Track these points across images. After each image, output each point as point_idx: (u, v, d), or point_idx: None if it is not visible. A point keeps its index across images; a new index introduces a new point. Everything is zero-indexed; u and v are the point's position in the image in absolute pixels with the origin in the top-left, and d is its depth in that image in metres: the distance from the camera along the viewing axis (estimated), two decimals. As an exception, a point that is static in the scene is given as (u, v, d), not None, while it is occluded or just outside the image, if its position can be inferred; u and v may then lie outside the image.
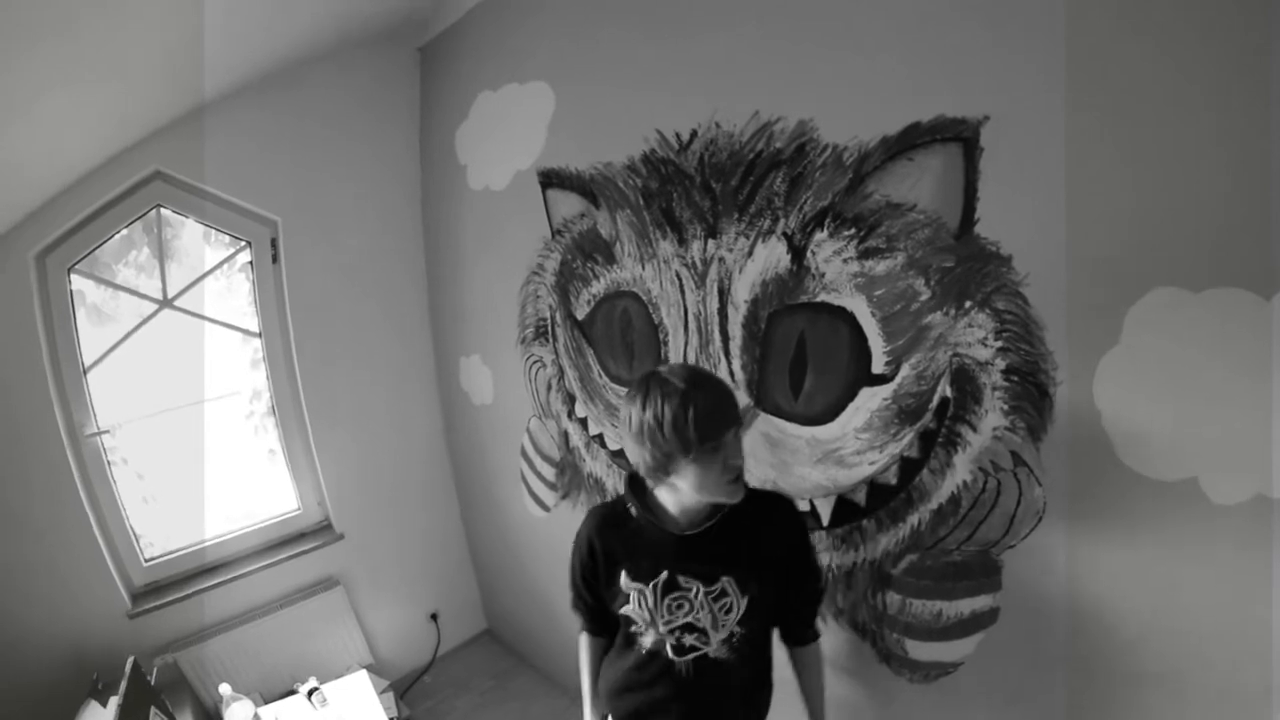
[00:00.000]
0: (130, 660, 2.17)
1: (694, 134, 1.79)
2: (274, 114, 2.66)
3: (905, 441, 1.55)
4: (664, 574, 1.41)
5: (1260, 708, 1.16)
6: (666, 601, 1.42)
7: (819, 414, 1.69)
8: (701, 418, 1.22)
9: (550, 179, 2.32)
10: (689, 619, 1.41)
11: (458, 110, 2.71)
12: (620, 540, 1.48)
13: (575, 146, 2.20)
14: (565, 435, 2.62)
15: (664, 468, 1.29)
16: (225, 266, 2.83)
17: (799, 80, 1.56)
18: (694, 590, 1.40)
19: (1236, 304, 1.06)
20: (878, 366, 1.54)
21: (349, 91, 2.82)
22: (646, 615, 1.44)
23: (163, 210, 2.62)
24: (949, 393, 1.44)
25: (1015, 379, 1.34)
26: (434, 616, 3.55)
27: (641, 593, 1.43)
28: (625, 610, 1.47)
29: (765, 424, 1.82)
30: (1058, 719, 1.45)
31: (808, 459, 1.76)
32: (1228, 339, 1.08)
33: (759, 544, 1.42)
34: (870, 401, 1.58)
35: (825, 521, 1.77)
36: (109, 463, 2.64)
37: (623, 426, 1.33)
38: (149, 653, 2.62)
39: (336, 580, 3.09)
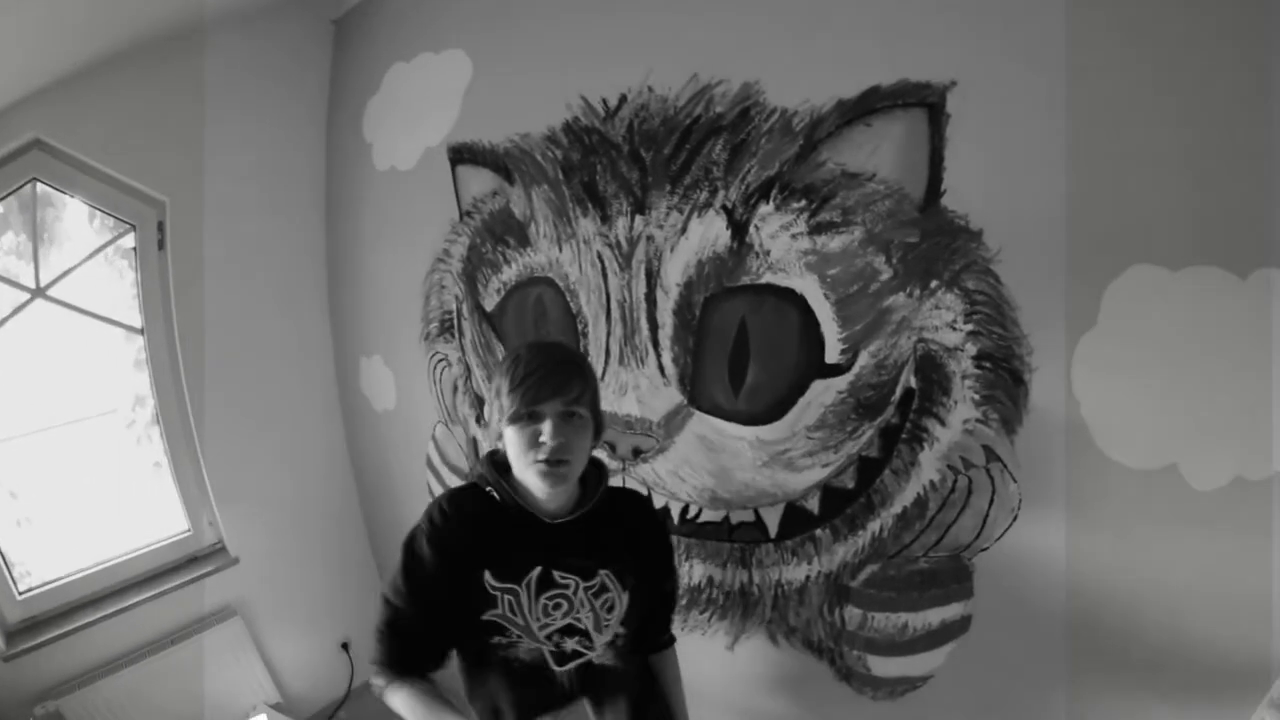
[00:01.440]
0: None
1: (623, 99, 1.69)
2: (169, 81, 2.48)
3: (864, 440, 1.46)
4: (537, 569, 1.28)
5: (1256, 689, 1.14)
6: (542, 602, 1.29)
7: (763, 412, 1.59)
8: (521, 377, 1.19)
9: (461, 154, 2.19)
10: (569, 619, 1.30)
11: (368, 84, 2.59)
12: (478, 535, 1.29)
13: (491, 118, 2.08)
14: (474, 443, 2.47)
15: (500, 436, 1.25)
16: (108, 252, 2.62)
17: (745, 39, 1.49)
18: (572, 586, 1.30)
19: (1213, 282, 1.05)
20: (832, 356, 1.45)
21: (253, 63, 2.66)
22: (520, 621, 1.29)
23: (39, 185, 2.39)
24: (914, 383, 1.37)
25: (988, 365, 1.28)
26: (345, 645, 3.33)
27: (514, 593, 1.28)
28: (493, 616, 1.28)
29: (701, 425, 1.70)
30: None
31: (751, 463, 1.64)
32: (1204, 319, 1.08)
33: (628, 537, 1.37)
34: (823, 396, 1.48)
35: (773, 533, 1.67)
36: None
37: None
38: (28, 700, 2.37)
39: (234, 609, 2.87)
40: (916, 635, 1.51)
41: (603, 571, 1.31)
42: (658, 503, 1.86)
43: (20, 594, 2.47)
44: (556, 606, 1.29)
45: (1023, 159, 1.18)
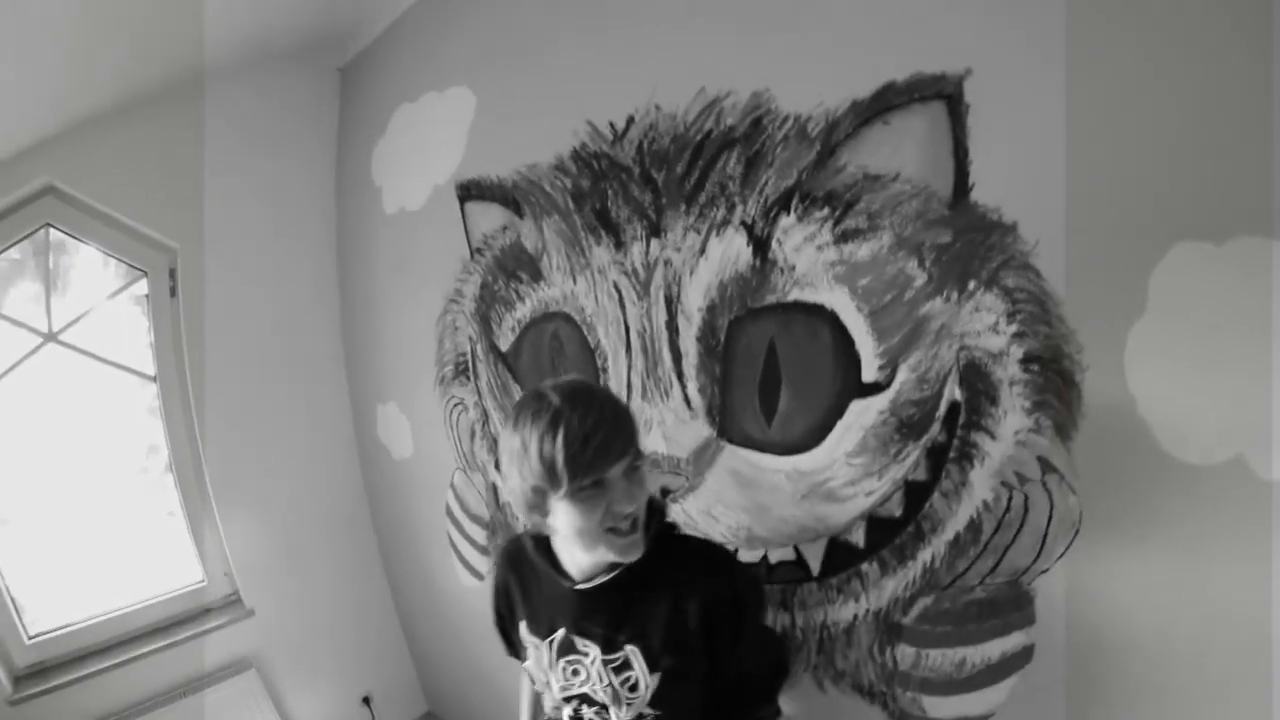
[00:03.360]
0: None
1: (630, 120, 1.70)
2: (179, 131, 2.56)
3: (909, 462, 1.39)
4: (560, 632, 1.25)
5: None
6: (561, 665, 1.26)
7: (800, 440, 1.53)
8: (572, 444, 1.03)
9: (469, 191, 2.22)
10: (585, 689, 1.25)
11: (375, 127, 2.66)
12: (521, 584, 1.33)
13: (497, 151, 2.11)
14: (494, 489, 2.44)
15: (537, 506, 1.12)
16: (122, 298, 2.67)
17: (749, 48, 1.48)
18: (590, 657, 1.23)
19: (1261, 253, 1.00)
20: (869, 373, 1.40)
21: (261, 111, 2.75)
22: (543, 676, 1.29)
23: (53, 232, 2.47)
24: (959, 395, 1.30)
25: (1036, 368, 1.22)
26: (367, 700, 3.32)
27: (538, 649, 1.28)
28: (527, 665, 1.33)
29: (733, 458, 1.65)
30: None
31: (789, 497, 1.58)
32: (1255, 292, 1.02)
33: (680, 608, 1.20)
34: (863, 417, 1.43)
35: (815, 571, 1.60)
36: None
37: (501, 453, 1.17)
38: None
39: (249, 662, 2.86)
40: (975, 670, 1.42)
41: (629, 646, 1.20)
42: None
43: (30, 638, 2.51)
44: (575, 673, 1.25)
45: (1050, 143, 1.14)
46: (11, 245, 2.35)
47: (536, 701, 1.53)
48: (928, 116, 1.24)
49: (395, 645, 3.47)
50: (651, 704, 1.20)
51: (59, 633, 2.58)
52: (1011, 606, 1.34)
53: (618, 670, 1.21)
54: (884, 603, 1.51)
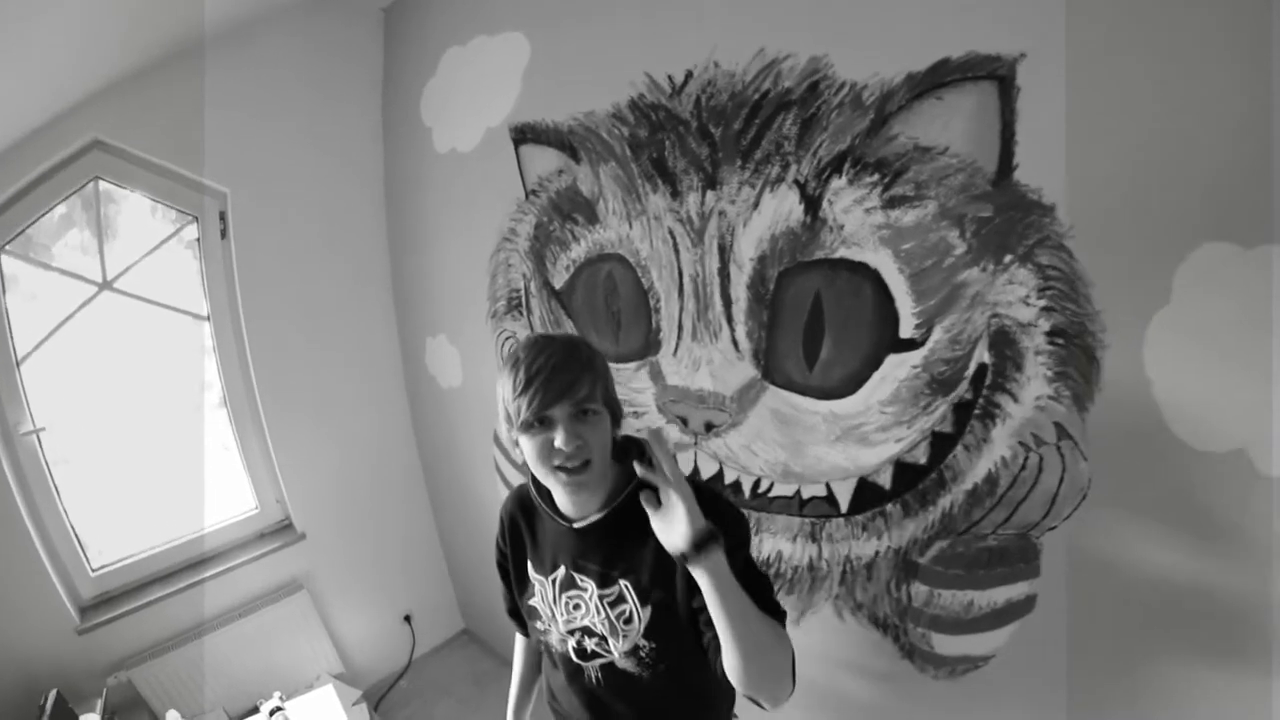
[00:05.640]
0: (53, 694, 2.11)
1: (689, 75, 1.71)
2: (224, 78, 2.56)
3: (937, 415, 1.47)
4: (561, 569, 1.32)
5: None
6: (564, 600, 1.33)
7: (838, 386, 1.61)
8: (518, 383, 1.13)
9: (524, 134, 2.24)
10: (585, 623, 1.31)
11: (424, 69, 2.64)
12: (528, 525, 1.40)
13: (553, 97, 2.12)
14: None
15: (512, 442, 1.22)
16: (171, 243, 2.73)
17: (810, 13, 1.48)
18: (588, 592, 1.29)
19: None
20: (906, 330, 1.47)
21: (306, 54, 2.74)
22: (548, 610, 1.36)
23: (102, 183, 2.51)
24: (987, 358, 1.38)
25: (1060, 342, 1.28)
26: (407, 618, 3.50)
27: (543, 585, 1.36)
28: (532, 602, 1.39)
29: (774, 399, 1.74)
30: (1098, 708, 1.43)
31: (824, 437, 1.68)
32: (1274, 300, 1.05)
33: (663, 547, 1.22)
34: (897, 370, 1.50)
35: (844, 508, 1.70)
36: (48, 463, 2.52)
37: None
38: (101, 671, 2.54)
39: (300, 584, 3.02)
40: (981, 614, 1.53)
41: (622, 581, 1.25)
42: (728, 477, 1.89)
43: (94, 571, 2.63)
44: (576, 607, 1.31)
45: (1094, 133, 1.17)
46: (62, 200, 2.42)
47: (531, 666, 1.66)
48: (979, 95, 1.26)
49: (435, 567, 3.61)
50: (645, 635, 1.25)
51: (121, 564, 2.71)
52: (1019, 557, 1.43)
53: (613, 604, 1.26)
54: (904, 542, 1.61)
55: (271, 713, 2.42)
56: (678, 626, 1.24)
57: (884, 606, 1.71)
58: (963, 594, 1.55)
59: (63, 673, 2.39)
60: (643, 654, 1.28)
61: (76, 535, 2.61)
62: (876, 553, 1.68)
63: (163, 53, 2.36)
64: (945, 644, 1.62)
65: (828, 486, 1.72)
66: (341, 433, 3.14)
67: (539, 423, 1.14)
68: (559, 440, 1.13)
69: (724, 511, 1.19)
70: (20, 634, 2.42)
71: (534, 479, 1.32)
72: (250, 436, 2.95)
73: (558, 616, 1.34)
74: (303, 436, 3.01)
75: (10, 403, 2.42)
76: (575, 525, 1.27)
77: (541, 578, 1.36)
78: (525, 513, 1.40)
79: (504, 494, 2.76)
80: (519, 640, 1.65)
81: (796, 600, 1.89)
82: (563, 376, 1.13)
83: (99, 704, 2.34)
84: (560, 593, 1.33)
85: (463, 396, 2.96)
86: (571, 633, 1.33)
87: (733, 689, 1.28)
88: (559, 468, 1.16)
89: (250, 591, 2.91)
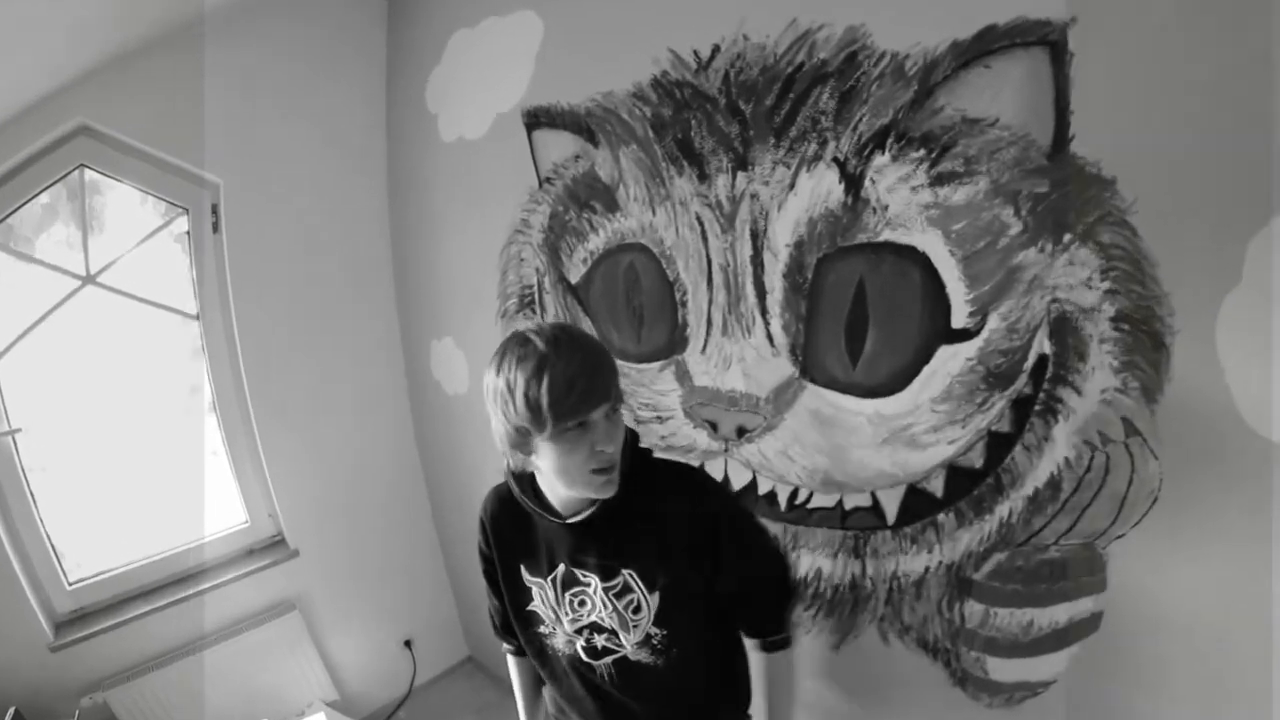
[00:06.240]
0: (10, 711, 2.12)
1: (716, 49, 1.70)
2: (218, 61, 2.57)
3: (994, 412, 1.45)
4: (561, 567, 1.36)
5: None
6: (567, 598, 1.37)
7: (884, 383, 1.59)
8: (557, 387, 1.12)
9: (537, 119, 2.24)
10: (594, 618, 1.36)
11: (430, 54, 2.66)
12: (515, 529, 1.42)
13: (568, 78, 2.12)
14: None
15: (521, 446, 1.23)
16: (159, 237, 2.74)
17: None
18: (592, 586, 1.34)
19: None
20: (959, 319, 1.44)
21: (306, 38, 2.76)
22: (551, 612, 1.40)
23: (87, 171, 2.53)
24: (1048, 348, 1.35)
25: (1126, 328, 1.26)
26: (408, 643, 3.49)
27: (542, 588, 1.39)
28: (532, 607, 1.43)
29: (814, 398, 1.71)
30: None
31: (870, 440, 1.65)
32: None
33: (664, 527, 1.32)
34: (950, 364, 1.48)
35: (891, 519, 1.67)
36: (23, 468, 2.52)
37: (485, 393, 1.25)
38: (75, 691, 2.54)
39: (292, 604, 3.02)
40: (1041, 634, 1.50)
41: (625, 571, 1.31)
42: (762, 487, 1.87)
43: (70, 584, 2.63)
44: (581, 604, 1.35)
45: (1154, 100, 1.15)
46: (46, 188, 2.43)
47: (532, 685, 1.69)
48: (1029, 63, 1.25)
49: (439, 589, 3.60)
50: (656, 623, 1.32)
51: (100, 578, 2.71)
52: (1084, 570, 1.40)
53: (619, 595, 1.32)
54: (957, 556, 1.58)
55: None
56: (687, 608, 1.33)
57: (934, 628, 1.68)
58: (1021, 612, 1.51)
59: (34, 691, 2.40)
60: (655, 642, 1.34)
61: (53, 546, 2.60)
62: (927, 568, 1.65)
63: (157, 33, 2.36)
64: (1001, 669, 1.59)
65: (873, 495, 1.69)
66: (339, 442, 3.13)
67: (578, 426, 1.16)
68: (600, 443, 1.17)
69: (725, 493, 1.37)
70: (-9, 649, 2.43)
71: (515, 477, 1.36)
72: (241, 445, 2.94)
73: (563, 617, 1.38)
74: (297, 446, 3.00)
75: (-18, 403, 2.42)
76: (570, 520, 1.31)
77: (539, 580, 1.39)
78: (509, 514, 1.43)
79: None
80: (512, 662, 1.69)
81: (836, 624, 1.86)
82: (601, 376, 1.17)
83: (71, 726, 2.34)
84: (563, 591, 1.36)
85: (469, 403, 2.95)
86: (580, 631, 1.37)
87: (746, 661, 1.45)
88: (596, 470, 1.20)
89: (239, 611, 2.90)
